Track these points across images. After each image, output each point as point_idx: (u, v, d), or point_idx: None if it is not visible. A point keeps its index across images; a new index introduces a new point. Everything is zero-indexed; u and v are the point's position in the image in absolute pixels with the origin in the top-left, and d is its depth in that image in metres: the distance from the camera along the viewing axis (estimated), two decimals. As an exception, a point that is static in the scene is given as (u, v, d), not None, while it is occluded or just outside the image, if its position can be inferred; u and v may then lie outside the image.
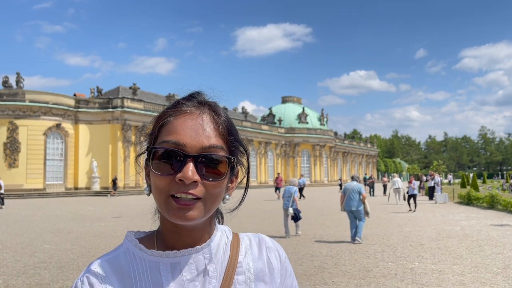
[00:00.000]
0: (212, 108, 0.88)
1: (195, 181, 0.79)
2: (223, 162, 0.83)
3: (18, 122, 37.28)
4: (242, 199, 0.97)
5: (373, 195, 33.03)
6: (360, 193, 10.56)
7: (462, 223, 14.54)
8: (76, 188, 39.99)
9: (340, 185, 45.07)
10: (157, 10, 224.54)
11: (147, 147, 0.85)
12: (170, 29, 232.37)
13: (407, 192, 19.99)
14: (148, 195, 0.87)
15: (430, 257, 8.59)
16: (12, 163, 36.79)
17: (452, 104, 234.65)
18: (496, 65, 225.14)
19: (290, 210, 11.31)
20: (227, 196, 0.89)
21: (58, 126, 39.05)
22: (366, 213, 10.53)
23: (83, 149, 40.92)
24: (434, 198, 25.94)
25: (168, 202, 0.80)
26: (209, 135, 0.83)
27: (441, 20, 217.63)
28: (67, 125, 40.14)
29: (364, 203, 10.53)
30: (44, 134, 38.28)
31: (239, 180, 0.94)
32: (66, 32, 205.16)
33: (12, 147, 36.96)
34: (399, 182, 23.81)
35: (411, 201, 19.55)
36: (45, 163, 38.17)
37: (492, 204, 20.28)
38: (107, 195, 36.25)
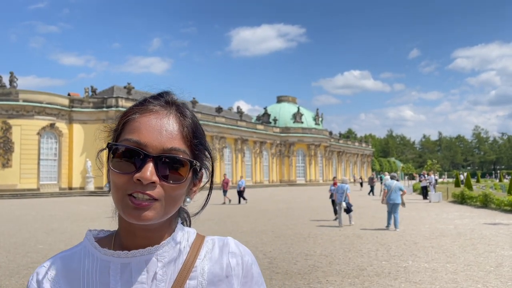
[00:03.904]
0: (179, 109, 0.86)
1: (153, 182, 0.77)
2: (184, 165, 0.81)
3: (11, 121, 37.04)
4: (205, 203, 0.96)
5: (373, 194, 33.08)
6: (401, 190, 13.20)
7: (455, 222, 14.63)
8: (70, 188, 39.79)
9: (361, 183, 48.82)
10: (152, 10, 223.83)
11: (108, 144, 0.83)
12: (164, 29, 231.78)
13: (331, 197, 16.44)
14: (109, 192, 0.85)
15: (424, 255, 8.64)
16: (5, 163, 36.55)
17: (446, 104, 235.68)
18: (488, 65, 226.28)
19: (344, 204, 13.70)
20: (188, 199, 0.88)
21: (52, 125, 38.84)
22: (403, 204, 13.21)
23: (77, 149, 40.73)
24: (428, 197, 26.10)
25: (124, 200, 0.78)
26: (172, 136, 0.81)
27: (434, 20, 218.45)
28: (61, 125, 39.93)
29: (402, 197, 13.16)
30: (38, 133, 38.06)
31: (202, 184, 0.92)
32: (60, 32, 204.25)
33: (6, 147, 36.73)
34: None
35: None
36: (39, 163, 37.95)
37: (485, 203, 20.43)
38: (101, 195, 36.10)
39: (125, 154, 0.80)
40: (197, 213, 0.98)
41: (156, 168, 0.78)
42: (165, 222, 0.86)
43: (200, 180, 0.91)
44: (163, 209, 0.80)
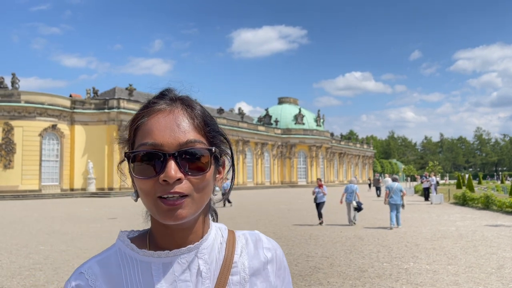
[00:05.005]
0: (184, 102, 0.87)
1: (179, 179, 0.78)
2: (204, 155, 0.82)
3: (13, 123, 37.14)
4: (230, 188, 0.97)
5: (379, 196, 33.05)
6: (401, 191, 13.99)
7: (457, 223, 14.61)
8: (71, 189, 39.87)
9: (370, 184, 49.19)
10: (153, 11, 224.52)
11: (125, 153, 0.83)
12: (166, 31, 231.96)
13: (315, 200, 14.90)
14: (136, 200, 0.86)
15: (425, 257, 8.63)
16: (7, 164, 36.64)
17: (447, 105, 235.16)
18: (490, 66, 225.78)
19: (354, 203, 14.32)
20: (216, 188, 0.88)
21: (53, 127, 38.93)
22: (402, 206, 13.91)
23: (79, 150, 40.81)
24: (429, 199, 26.07)
25: (156, 204, 0.79)
26: (185, 130, 0.82)
27: (435, 22, 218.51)
28: (63, 126, 40.02)
29: (402, 198, 13.90)
30: (40, 135, 38.15)
31: (226, 169, 0.93)
32: (62, 33, 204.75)
33: (7, 148, 36.81)
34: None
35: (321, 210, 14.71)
36: (40, 164, 38.02)
37: (487, 204, 20.39)
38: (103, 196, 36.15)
39: (144, 159, 0.81)
40: (222, 199, 0.98)
41: (178, 165, 0.79)
42: (199, 219, 0.87)
43: (223, 167, 0.92)
44: (195, 204, 0.81)
